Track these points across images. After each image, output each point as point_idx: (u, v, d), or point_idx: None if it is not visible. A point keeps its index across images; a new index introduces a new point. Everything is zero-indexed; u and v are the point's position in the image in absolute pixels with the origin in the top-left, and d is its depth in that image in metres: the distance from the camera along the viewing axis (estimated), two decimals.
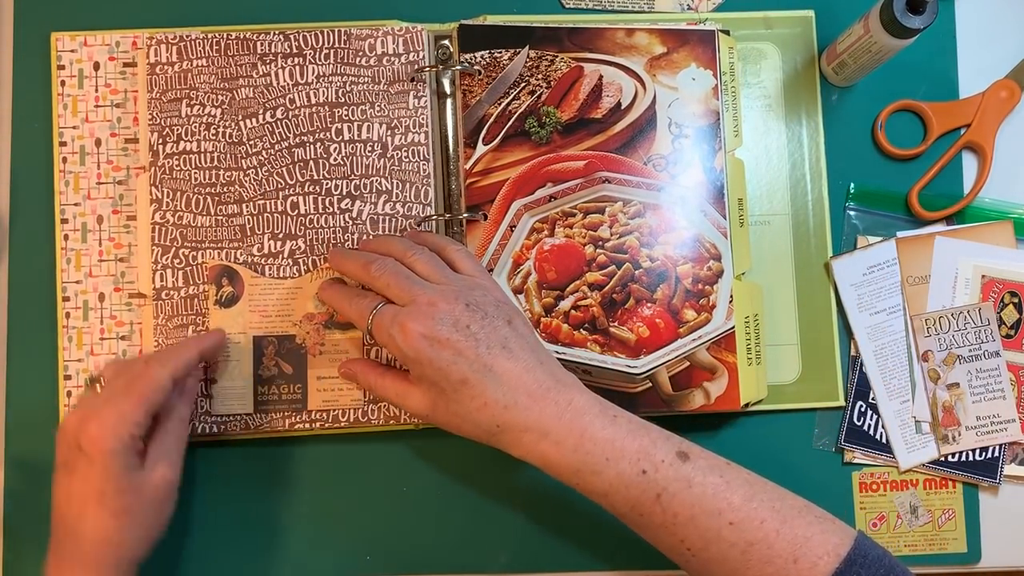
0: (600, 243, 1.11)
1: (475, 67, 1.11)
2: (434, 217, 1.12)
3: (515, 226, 1.10)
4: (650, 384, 1.11)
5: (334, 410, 1.12)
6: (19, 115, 1.16)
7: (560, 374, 0.97)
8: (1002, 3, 1.26)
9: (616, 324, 1.10)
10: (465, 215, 1.10)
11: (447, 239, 1.08)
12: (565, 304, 1.10)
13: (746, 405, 1.13)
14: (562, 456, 0.92)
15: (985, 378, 1.17)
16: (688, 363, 1.12)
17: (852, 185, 1.21)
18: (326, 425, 1.12)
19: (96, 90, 1.15)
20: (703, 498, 0.91)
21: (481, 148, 1.11)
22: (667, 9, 1.21)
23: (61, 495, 0.97)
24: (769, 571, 0.89)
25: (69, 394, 1.12)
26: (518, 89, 1.12)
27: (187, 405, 1.07)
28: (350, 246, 1.12)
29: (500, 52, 1.12)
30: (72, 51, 1.16)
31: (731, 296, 1.12)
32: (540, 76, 1.12)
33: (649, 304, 1.11)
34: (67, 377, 1.13)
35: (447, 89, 1.14)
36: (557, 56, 1.13)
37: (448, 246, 1.06)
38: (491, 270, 1.10)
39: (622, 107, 1.13)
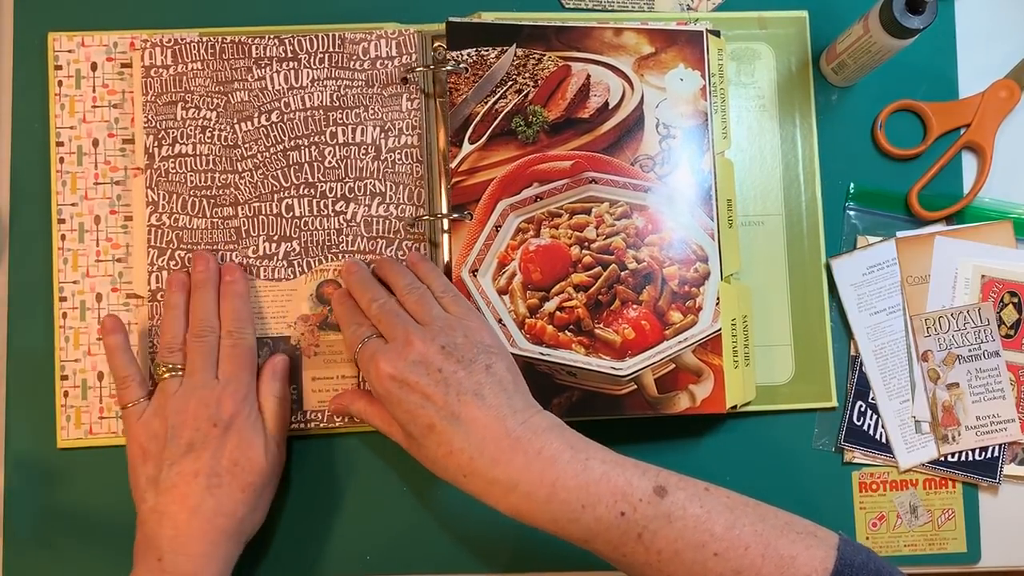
0: (586, 244, 1.11)
1: (462, 65, 1.12)
2: (426, 218, 1.13)
3: (500, 226, 1.10)
4: (635, 386, 1.10)
5: (329, 411, 1.13)
6: (19, 115, 1.17)
7: (534, 420, 0.95)
8: (1002, 3, 1.25)
9: (601, 326, 1.10)
10: (453, 215, 1.10)
11: (441, 280, 1.08)
12: (550, 305, 1.10)
13: (733, 408, 1.12)
14: (535, 508, 0.91)
15: (985, 378, 1.17)
16: (674, 365, 1.11)
17: (852, 185, 1.21)
18: (321, 425, 1.13)
19: (93, 90, 1.16)
20: (685, 532, 0.89)
21: (467, 147, 1.11)
22: (667, 9, 1.21)
23: (187, 476, 1.01)
24: None
25: (66, 394, 1.13)
26: (505, 88, 1.12)
27: (286, 386, 1.12)
28: (344, 248, 1.13)
29: (487, 50, 1.12)
30: (69, 51, 1.17)
31: (718, 298, 1.12)
32: (527, 75, 1.12)
33: (635, 306, 1.10)
34: (64, 377, 1.14)
35: (437, 89, 1.14)
36: (544, 55, 1.13)
37: (434, 284, 1.07)
38: (476, 271, 1.10)
39: (609, 107, 1.13)
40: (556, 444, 0.93)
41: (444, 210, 1.12)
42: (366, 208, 1.13)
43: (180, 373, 1.06)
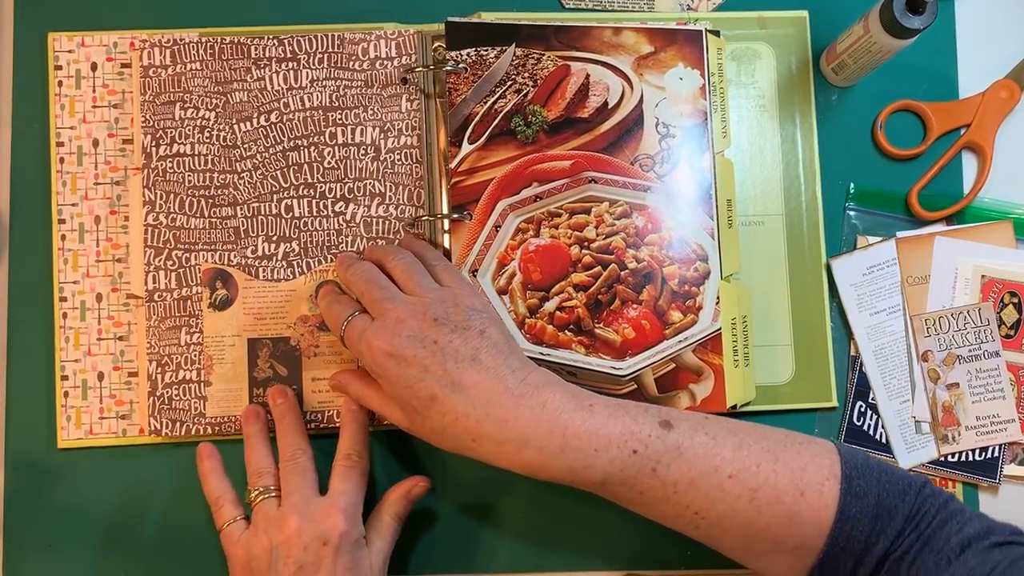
0: (586, 244, 1.11)
1: (461, 65, 1.11)
2: (426, 218, 1.13)
3: (500, 226, 1.10)
4: (635, 386, 1.10)
5: (329, 411, 1.13)
6: (19, 115, 1.17)
7: (533, 377, 0.95)
8: (1002, 3, 1.25)
9: (601, 325, 1.10)
10: (452, 215, 1.10)
11: (434, 251, 1.08)
12: (550, 305, 1.10)
13: (733, 407, 1.12)
14: (549, 460, 0.92)
15: (985, 378, 1.17)
16: (674, 365, 1.11)
17: (852, 185, 1.21)
18: (321, 426, 1.13)
19: (93, 91, 1.16)
20: (696, 460, 0.91)
21: (466, 147, 1.10)
22: (667, 9, 1.21)
23: None
24: (781, 511, 0.90)
25: (66, 394, 1.13)
26: (504, 88, 1.12)
27: (408, 510, 1.10)
28: (344, 249, 1.13)
29: (487, 50, 1.12)
30: (69, 51, 1.17)
31: (718, 297, 1.12)
32: (526, 74, 1.12)
33: (635, 305, 1.10)
34: (64, 377, 1.13)
35: (437, 89, 1.14)
36: (544, 54, 1.13)
37: (426, 254, 1.07)
38: (475, 271, 1.10)
39: (609, 106, 1.13)
40: (559, 396, 0.94)
41: (444, 210, 1.12)
42: (365, 209, 1.13)
43: (275, 494, 1.05)
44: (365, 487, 1.07)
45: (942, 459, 1.17)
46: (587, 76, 1.13)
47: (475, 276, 1.09)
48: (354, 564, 1.00)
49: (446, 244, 1.11)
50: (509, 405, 0.92)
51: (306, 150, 1.14)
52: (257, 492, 1.04)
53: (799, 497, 0.90)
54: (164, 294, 1.13)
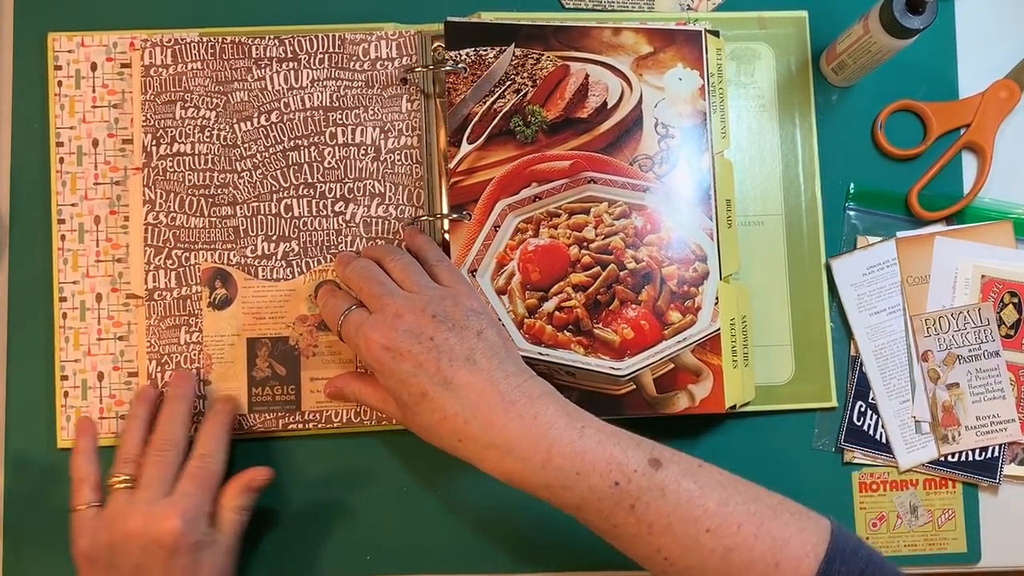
0: (585, 244, 1.11)
1: (460, 65, 1.11)
2: (425, 218, 1.13)
3: (499, 226, 1.10)
4: (634, 386, 1.10)
5: (327, 411, 1.13)
6: (19, 115, 1.17)
7: (528, 385, 0.95)
8: (1002, 3, 1.25)
9: (600, 326, 1.10)
10: (452, 215, 1.10)
11: (436, 250, 1.08)
12: (549, 305, 1.09)
13: (732, 408, 1.12)
14: (530, 473, 0.91)
15: (985, 378, 1.17)
16: (673, 365, 1.11)
17: (852, 185, 1.21)
18: (319, 426, 1.13)
19: (93, 91, 1.16)
20: (678, 506, 0.89)
21: (466, 147, 1.10)
22: (666, 9, 1.21)
23: None
24: None
25: (66, 394, 1.13)
26: (503, 88, 1.12)
27: (244, 494, 1.08)
28: (343, 249, 1.13)
29: (486, 50, 1.12)
30: (69, 51, 1.17)
31: (717, 298, 1.12)
32: (526, 75, 1.12)
33: (634, 306, 1.10)
34: (64, 378, 1.14)
35: (437, 89, 1.14)
36: (543, 55, 1.13)
37: (429, 253, 1.07)
38: (474, 271, 1.09)
39: (608, 107, 1.13)
40: (552, 410, 0.93)
41: (443, 210, 1.12)
42: (365, 209, 1.14)
43: (132, 485, 1.04)
44: (214, 490, 1.05)
45: (942, 459, 1.17)
46: (586, 76, 1.13)
47: (474, 276, 1.09)
48: (193, 566, 1.00)
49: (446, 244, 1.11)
50: (499, 410, 0.92)
51: (306, 150, 1.14)
52: (117, 479, 1.04)
53: (772, 568, 0.88)
54: (164, 293, 1.13)
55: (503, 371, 0.95)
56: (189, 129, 1.14)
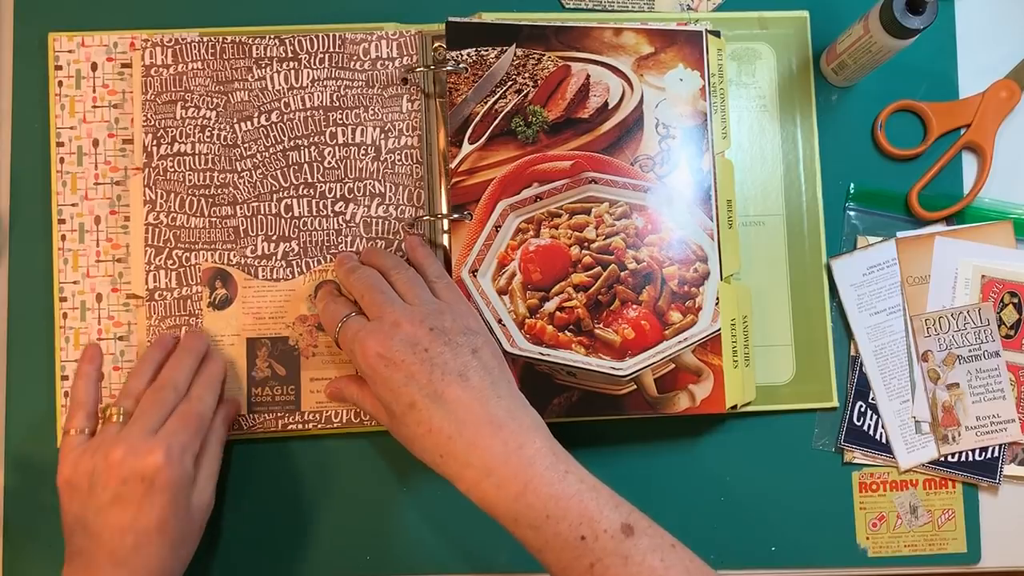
0: (586, 244, 1.11)
1: (461, 65, 1.11)
2: (426, 218, 1.13)
3: (500, 226, 1.10)
4: (635, 386, 1.10)
5: (327, 411, 1.13)
6: (19, 115, 1.17)
7: (519, 413, 0.94)
8: (1002, 3, 1.25)
9: (601, 326, 1.10)
10: (453, 215, 1.10)
11: (437, 266, 1.08)
12: (550, 305, 1.09)
13: (732, 408, 1.12)
14: (502, 501, 0.90)
15: (985, 378, 1.17)
16: (673, 365, 1.11)
17: (852, 185, 1.21)
18: (319, 426, 1.13)
19: (94, 91, 1.16)
20: None
21: (466, 147, 1.10)
22: (667, 9, 1.21)
23: (112, 529, 0.97)
24: None
25: (66, 395, 1.13)
26: (504, 88, 1.12)
27: (225, 426, 1.10)
28: (344, 249, 1.13)
29: (487, 50, 1.12)
30: (69, 51, 1.17)
31: (717, 298, 1.12)
32: (527, 75, 1.12)
33: (635, 306, 1.10)
34: (64, 378, 1.14)
35: (438, 89, 1.14)
36: (544, 55, 1.13)
37: (429, 269, 1.07)
38: (476, 271, 1.09)
39: (609, 107, 1.13)
40: (538, 444, 0.92)
41: (444, 210, 1.12)
42: (365, 209, 1.13)
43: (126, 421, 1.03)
44: (202, 432, 1.04)
45: (942, 459, 1.17)
46: (587, 77, 1.13)
47: (475, 276, 1.09)
48: (173, 502, 0.99)
49: (446, 244, 1.11)
50: (485, 432, 0.91)
51: (306, 150, 1.14)
52: (114, 411, 1.03)
53: None
54: (164, 293, 1.13)
55: (495, 392, 0.94)
56: (189, 129, 1.13)
